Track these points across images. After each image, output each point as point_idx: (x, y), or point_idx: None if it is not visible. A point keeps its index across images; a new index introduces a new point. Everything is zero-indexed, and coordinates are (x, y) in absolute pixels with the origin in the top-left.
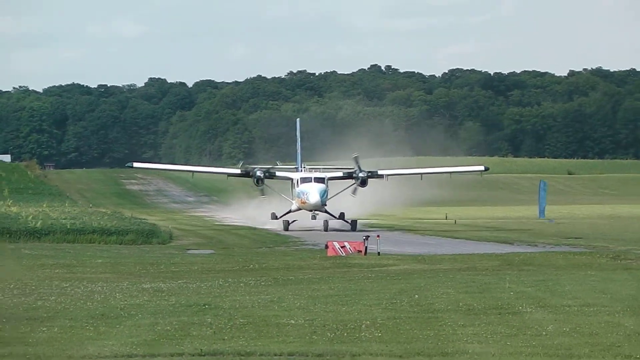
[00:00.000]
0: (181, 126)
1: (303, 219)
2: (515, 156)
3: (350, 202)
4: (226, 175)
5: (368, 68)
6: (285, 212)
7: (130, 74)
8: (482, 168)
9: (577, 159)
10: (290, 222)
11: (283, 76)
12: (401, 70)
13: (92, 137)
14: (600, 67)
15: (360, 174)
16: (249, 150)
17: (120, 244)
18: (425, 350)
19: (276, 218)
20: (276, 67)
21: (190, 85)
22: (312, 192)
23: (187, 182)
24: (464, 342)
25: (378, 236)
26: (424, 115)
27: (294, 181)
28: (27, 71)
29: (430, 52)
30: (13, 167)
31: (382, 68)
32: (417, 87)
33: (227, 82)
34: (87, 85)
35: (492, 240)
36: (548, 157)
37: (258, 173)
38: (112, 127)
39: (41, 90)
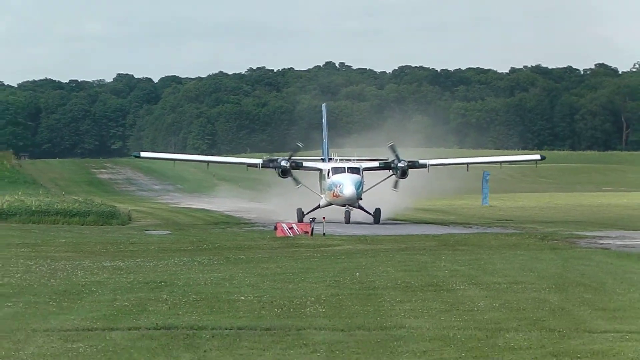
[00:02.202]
0: (148, 119)
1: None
2: (461, 148)
3: (381, 195)
4: (245, 166)
5: (323, 65)
6: (313, 208)
7: (99, 70)
8: (537, 157)
9: (518, 150)
10: (305, 213)
11: (243, 72)
12: (354, 67)
13: (64, 129)
14: (540, 64)
15: (400, 164)
16: (212, 142)
17: (82, 225)
18: (365, 325)
19: (303, 215)
20: (237, 64)
21: (156, 80)
22: (346, 184)
23: (155, 171)
24: (402, 317)
25: (324, 218)
26: (375, 109)
27: (323, 172)
28: (1, 67)
29: (381, 49)
30: None
31: (337, 65)
32: (369, 82)
33: (191, 78)
34: (59, 81)
35: (430, 222)
36: (491, 149)
37: (283, 163)
38: (83, 119)
39: (16, 85)
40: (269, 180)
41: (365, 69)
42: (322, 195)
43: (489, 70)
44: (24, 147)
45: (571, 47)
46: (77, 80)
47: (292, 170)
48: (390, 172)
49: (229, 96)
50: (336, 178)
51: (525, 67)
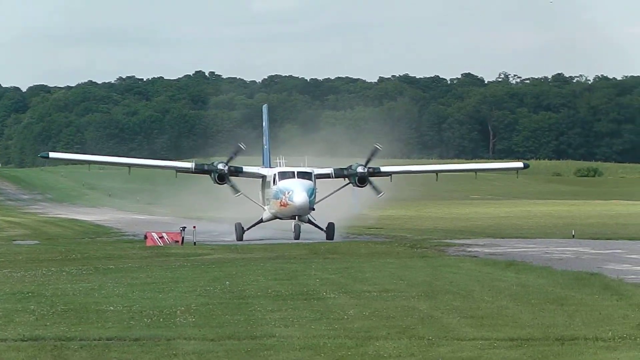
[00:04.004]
0: (16, 128)
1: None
2: (332, 156)
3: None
4: (175, 170)
5: (193, 74)
6: (254, 223)
7: None
8: (521, 165)
9: (388, 158)
10: (245, 229)
11: (113, 81)
12: (224, 76)
13: None
14: (407, 74)
15: (359, 170)
16: (81, 151)
17: None
18: (235, 334)
19: (243, 232)
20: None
21: (24, 89)
22: (296, 190)
23: (22, 180)
24: (272, 326)
25: (194, 227)
26: (245, 118)
27: (267, 178)
28: None
29: (251, 59)
30: None
31: (206, 74)
32: (239, 92)
33: (60, 87)
34: None
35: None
36: (361, 158)
37: (220, 167)
38: None
39: None
40: (200, 190)
41: (235, 77)
42: (266, 207)
43: (357, 79)
44: None
45: (438, 57)
46: None
47: (230, 177)
48: (347, 180)
49: (99, 105)
50: (284, 184)
51: (393, 76)
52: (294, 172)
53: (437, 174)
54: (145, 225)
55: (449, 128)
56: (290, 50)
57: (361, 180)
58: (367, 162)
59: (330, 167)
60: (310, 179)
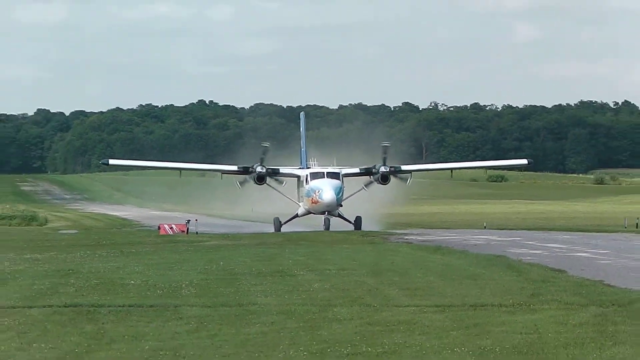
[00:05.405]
0: (60, 144)
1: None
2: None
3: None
4: (220, 172)
5: (196, 102)
6: (290, 217)
7: (20, 105)
8: (525, 162)
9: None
10: (283, 223)
11: (135, 107)
12: (220, 104)
13: None
14: (361, 102)
15: (382, 169)
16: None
17: (9, 226)
18: (227, 303)
19: (280, 225)
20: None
21: (67, 114)
22: (325, 189)
23: (66, 184)
24: (255, 296)
25: (196, 220)
26: (236, 136)
27: (301, 178)
28: None
29: (240, 90)
30: None
31: (207, 102)
32: (232, 115)
33: (94, 112)
34: None
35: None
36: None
37: (258, 169)
38: (10, 144)
39: None
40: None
41: (228, 105)
42: (300, 204)
43: (322, 106)
44: None
45: (384, 88)
46: (5, 114)
47: (268, 177)
48: (371, 177)
49: (124, 126)
50: (315, 184)
51: (350, 104)
52: (323, 173)
53: (451, 171)
54: (159, 219)
55: (392, 145)
56: (271, 83)
57: (384, 178)
58: (385, 161)
59: (357, 167)
60: (338, 178)
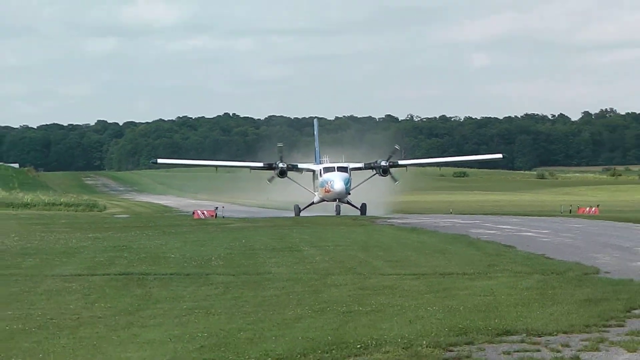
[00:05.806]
0: (115, 148)
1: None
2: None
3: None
4: (249, 168)
5: (222, 114)
6: (307, 205)
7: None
8: (499, 156)
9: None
10: (302, 209)
11: (174, 119)
12: (241, 116)
13: (65, 153)
14: (352, 114)
15: (382, 163)
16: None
17: (75, 212)
18: (247, 272)
19: (300, 211)
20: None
21: (121, 123)
22: (336, 180)
23: (120, 179)
24: (270, 266)
25: (223, 207)
26: (254, 141)
27: (316, 172)
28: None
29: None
30: (20, 171)
31: (231, 114)
32: (250, 125)
33: (142, 122)
34: (61, 124)
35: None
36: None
37: (281, 165)
38: (77, 148)
39: (35, 127)
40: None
41: (248, 117)
42: (315, 193)
43: (322, 117)
44: (41, 164)
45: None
46: (72, 124)
47: (288, 172)
48: (374, 171)
49: (165, 133)
50: (327, 176)
51: (344, 116)
52: (334, 167)
53: (439, 167)
54: (193, 206)
55: (380, 148)
56: (282, 99)
57: (384, 171)
58: (389, 158)
59: (362, 162)
60: (346, 171)
